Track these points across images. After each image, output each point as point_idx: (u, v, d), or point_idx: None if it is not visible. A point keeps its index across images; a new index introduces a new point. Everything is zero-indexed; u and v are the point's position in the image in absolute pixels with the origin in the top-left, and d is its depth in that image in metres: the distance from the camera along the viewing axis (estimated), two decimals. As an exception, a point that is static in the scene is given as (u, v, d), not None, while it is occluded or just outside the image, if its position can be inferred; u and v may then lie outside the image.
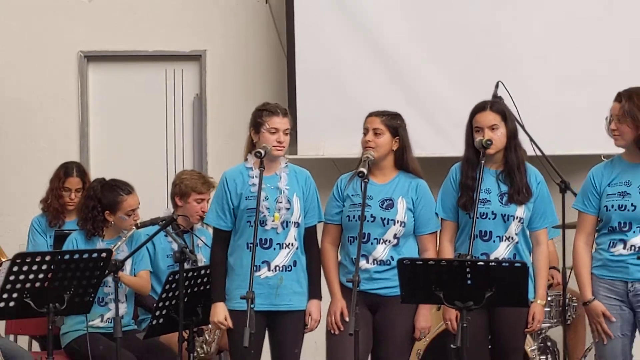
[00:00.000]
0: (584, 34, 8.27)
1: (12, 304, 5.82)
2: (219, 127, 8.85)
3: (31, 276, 5.79)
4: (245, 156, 6.13)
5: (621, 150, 5.99)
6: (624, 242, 5.84)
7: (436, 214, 6.13)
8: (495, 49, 8.29)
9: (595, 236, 5.99)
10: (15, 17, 9.00)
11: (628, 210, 5.83)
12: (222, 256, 6.05)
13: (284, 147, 6.03)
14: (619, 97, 5.92)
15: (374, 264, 5.99)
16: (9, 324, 7.28)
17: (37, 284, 5.82)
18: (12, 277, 5.77)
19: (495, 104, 6.15)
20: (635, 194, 5.82)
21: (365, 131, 6.07)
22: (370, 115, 6.11)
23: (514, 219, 5.97)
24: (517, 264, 5.57)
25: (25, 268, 5.78)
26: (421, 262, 5.68)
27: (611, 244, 5.89)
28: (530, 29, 8.31)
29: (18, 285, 5.79)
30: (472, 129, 6.03)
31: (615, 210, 5.85)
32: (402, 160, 6.11)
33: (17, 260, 5.78)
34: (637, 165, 5.87)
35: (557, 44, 8.28)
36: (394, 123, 6.07)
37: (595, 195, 5.95)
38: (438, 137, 8.04)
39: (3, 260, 6.54)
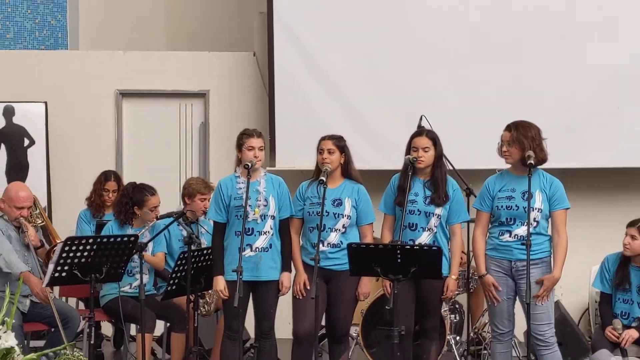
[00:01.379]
0: (484, 78, 8.25)
1: (64, 274, 5.84)
2: (218, 147, 8.81)
3: (78, 254, 5.81)
4: (235, 168, 6.13)
5: (509, 166, 6.03)
6: (510, 232, 5.89)
7: (383, 212, 6.13)
8: (420, 88, 8.26)
9: (489, 227, 6.04)
10: (70, 65, 8.99)
11: (513, 209, 5.88)
12: (220, 242, 6.03)
13: (260, 160, 6.02)
14: (509, 127, 5.95)
15: (328, 247, 6.00)
16: (62, 289, 7.27)
17: (83, 260, 5.83)
18: (64, 255, 5.78)
19: (430, 132, 6.16)
20: (518, 198, 5.87)
21: (321, 151, 6.08)
22: (324, 138, 6.12)
23: (433, 216, 5.99)
24: (433, 248, 5.60)
25: (74, 248, 5.79)
26: (364, 246, 5.70)
27: (500, 233, 5.93)
28: (444, 72, 8.28)
29: (68, 261, 5.80)
30: (410, 148, 6.06)
31: (504, 209, 5.90)
32: (347, 170, 6.13)
33: (68, 242, 5.80)
34: (520, 177, 5.90)
35: (463, 85, 8.26)
36: (341, 144, 6.11)
37: (489, 198, 5.99)
38: (377, 154, 7.99)
39: (58, 242, 6.52)
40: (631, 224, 6.23)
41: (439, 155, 6.05)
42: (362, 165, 6.50)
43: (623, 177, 8.56)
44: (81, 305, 7.64)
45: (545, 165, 5.95)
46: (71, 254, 5.78)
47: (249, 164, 5.89)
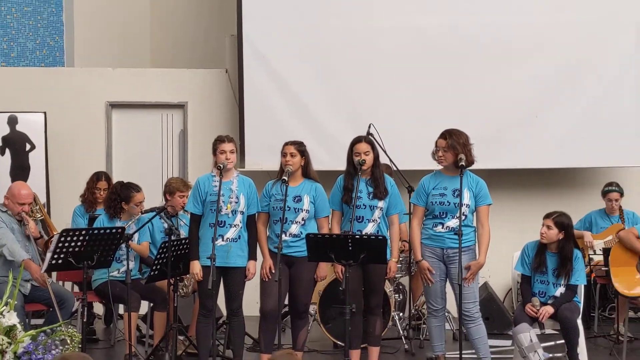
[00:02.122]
0: (424, 92, 8.28)
1: (60, 261, 5.80)
2: (196, 150, 8.76)
3: (72, 244, 5.77)
4: (212, 169, 6.12)
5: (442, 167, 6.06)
6: (442, 224, 5.94)
7: (331, 209, 6.15)
8: (369, 100, 8.27)
9: (424, 220, 6.07)
10: (66, 80, 8.91)
11: (445, 205, 5.92)
12: (196, 231, 6.03)
13: (232, 161, 6.03)
14: (444, 135, 5.98)
15: (290, 237, 6.01)
16: (59, 274, 7.18)
17: (77, 248, 5.79)
18: (60, 244, 5.75)
19: (367, 138, 6.22)
20: (449, 195, 5.93)
21: (284, 154, 6.09)
22: (287, 144, 6.13)
23: (376, 209, 6.03)
24: (379, 237, 5.62)
25: (69, 238, 5.76)
26: (321, 236, 5.73)
27: (434, 225, 5.98)
28: (390, 87, 8.30)
29: (64, 250, 5.76)
30: (352, 153, 6.08)
31: (437, 204, 5.95)
32: (306, 171, 6.15)
33: (64, 234, 5.77)
34: (452, 177, 5.95)
35: (406, 98, 8.28)
36: (302, 148, 6.12)
37: (424, 194, 6.02)
38: (331, 157, 7.90)
39: (55, 233, 6.47)
40: (547, 216, 6.30)
41: (377, 157, 6.10)
42: (319, 166, 6.51)
43: (539, 176, 8.68)
44: (75, 288, 7.58)
45: (473, 167, 6.00)
46: (66, 244, 5.75)
47: (221, 166, 5.92)
